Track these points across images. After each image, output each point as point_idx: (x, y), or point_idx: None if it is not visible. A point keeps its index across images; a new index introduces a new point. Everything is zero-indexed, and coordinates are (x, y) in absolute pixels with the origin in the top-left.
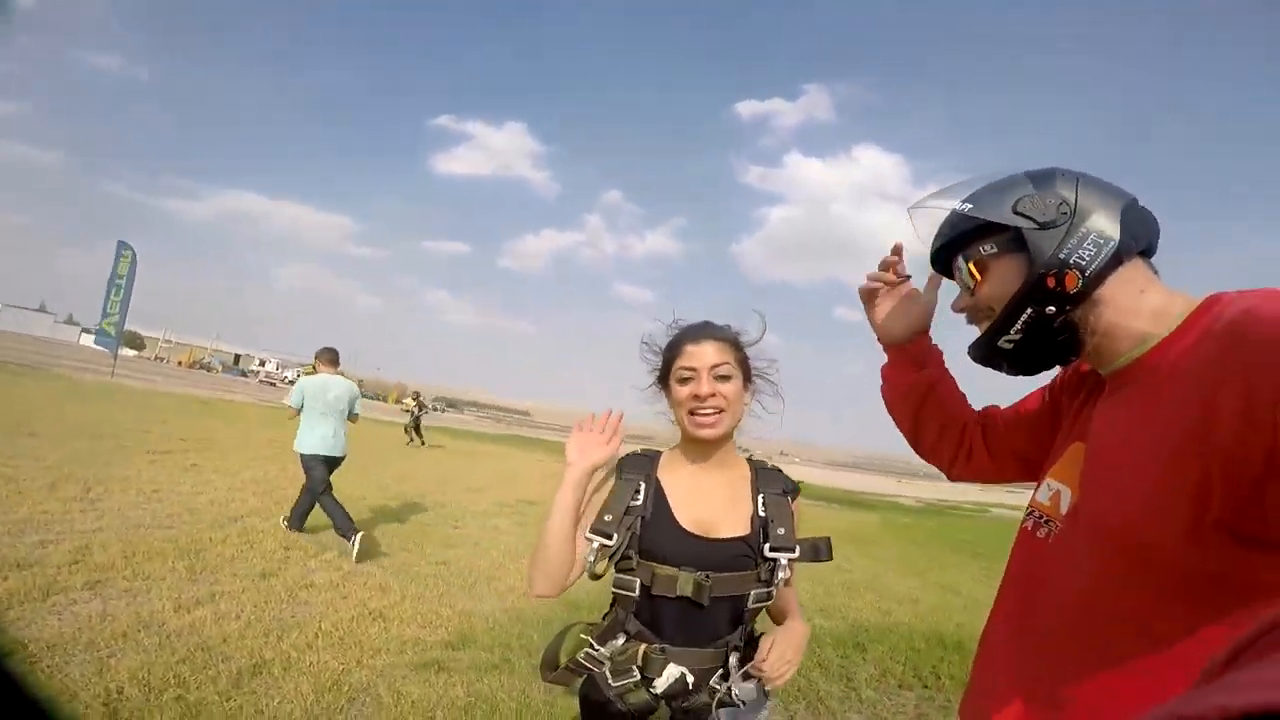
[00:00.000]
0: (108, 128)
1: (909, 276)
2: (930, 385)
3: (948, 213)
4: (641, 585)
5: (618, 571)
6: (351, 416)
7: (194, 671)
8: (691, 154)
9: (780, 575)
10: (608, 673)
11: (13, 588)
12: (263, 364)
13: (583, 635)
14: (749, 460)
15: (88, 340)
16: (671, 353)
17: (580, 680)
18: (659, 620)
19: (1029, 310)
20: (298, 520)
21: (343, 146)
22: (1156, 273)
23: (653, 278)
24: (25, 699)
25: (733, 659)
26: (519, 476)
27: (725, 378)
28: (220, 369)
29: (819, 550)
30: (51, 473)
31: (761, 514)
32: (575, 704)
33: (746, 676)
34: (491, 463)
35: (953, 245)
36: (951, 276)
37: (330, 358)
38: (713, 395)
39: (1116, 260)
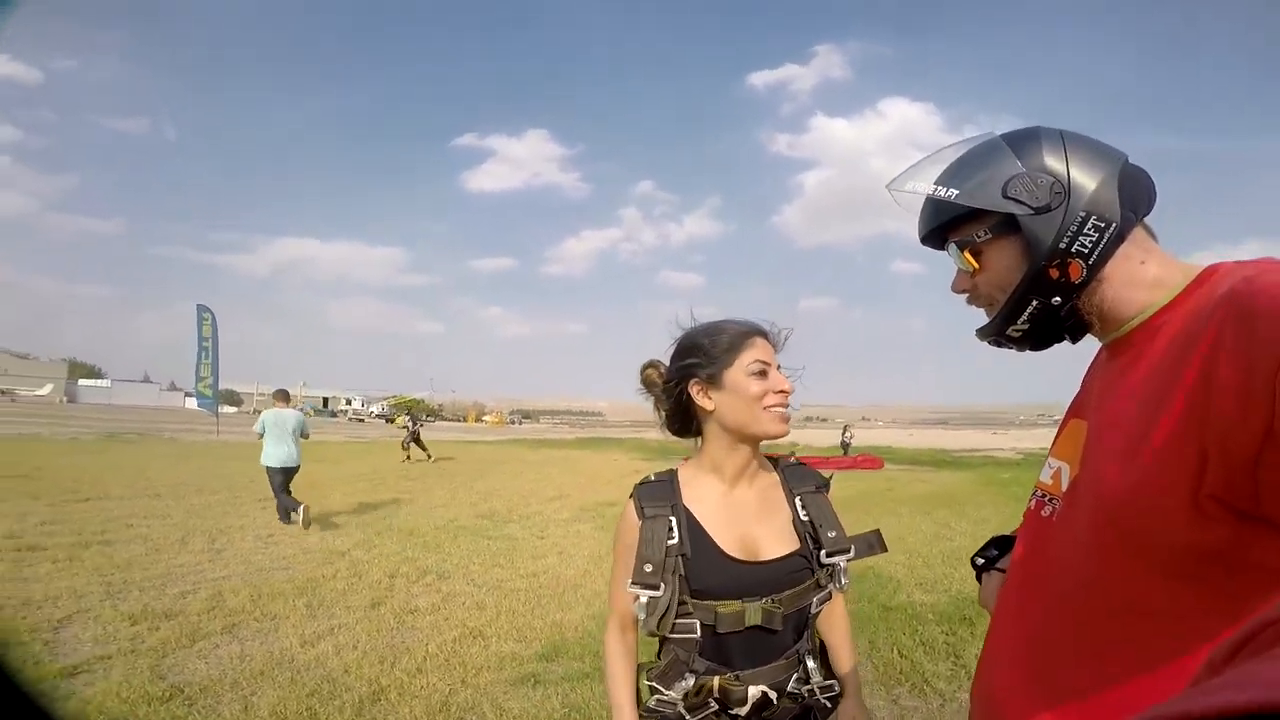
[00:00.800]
0: (151, 190)
1: None
2: None
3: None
4: (703, 625)
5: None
6: (304, 435)
7: (322, 703)
8: (714, 132)
9: (843, 580)
10: (683, 711)
11: (165, 637)
12: (349, 403)
13: (647, 682)
14: (770, 459)
15: (191, 404)
16: (739, 342)
17: None
18: (726, 652)
19: (1034, 303)
20: (283, 516)
21: (379, 181)
22: (1154, 234)
23: (697, 261)
24: (25, 699)
25: (809, 661)
26: (597, 479)
27: (786, 376)
28: (312, 413)
29: (873, 545)
30: (179, 529)
31: (804, 518)
32: None
33: None
34: (570, 468)
35: (941, 228)
36: (940, 247)
37: (283, 396)
38: (792, 390)
39: (1119, 239)
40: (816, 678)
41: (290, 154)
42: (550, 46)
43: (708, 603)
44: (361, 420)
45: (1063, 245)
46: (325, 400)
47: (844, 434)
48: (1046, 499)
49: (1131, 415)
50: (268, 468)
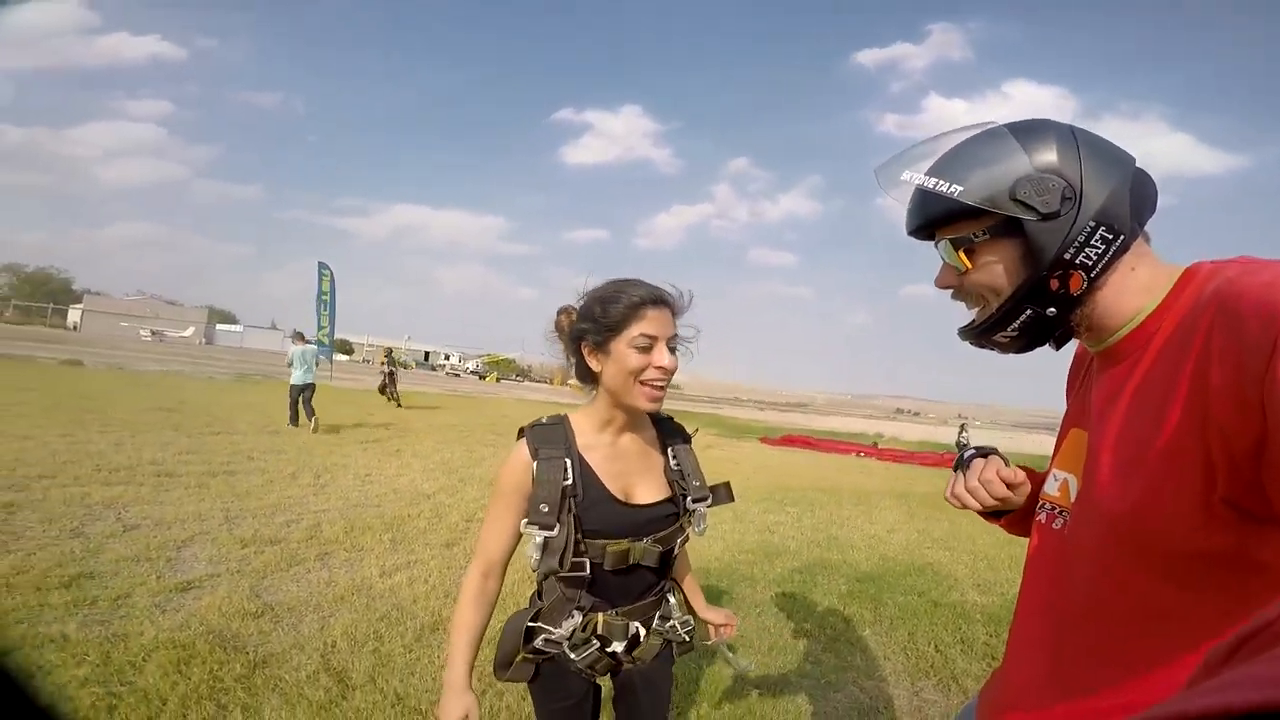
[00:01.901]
0: (284, 159)
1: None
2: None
3: (922, 180)
4: (592, 564)
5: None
6: (317, 363)
7: (389, 627)
8: (817, 110)
9: (701, 525)
10: (567, 650)
11: (267, 560)
12: (447, 358)
13: (531, 624)
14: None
15: None
16: (629, 313)
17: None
18: (608, 590)
19: (1028, 312)
20: (293, 420)
21: (483, 153)
22: (1147, 236)
23: (791, 240)
24: (26, 699)
25: (671, 599)
26: None
27: (674, 349)
28: (414, 365)
29: (724, 496)
30: (292, 464)
31: (675, 467)
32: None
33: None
34: None
35: (934, 222)
36: (929, 239)
37: (300, 336)
38: (673, 368)
39: (1123, 250)
40: (676, 614)
41: (404, 127)
42: (648, 20)
43: (599, 542)
44: (457, 375)
45: (1067, 256)
46: (426, 354)
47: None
48: (1056, 511)
49: (1134, 425)
50: (293, 385)
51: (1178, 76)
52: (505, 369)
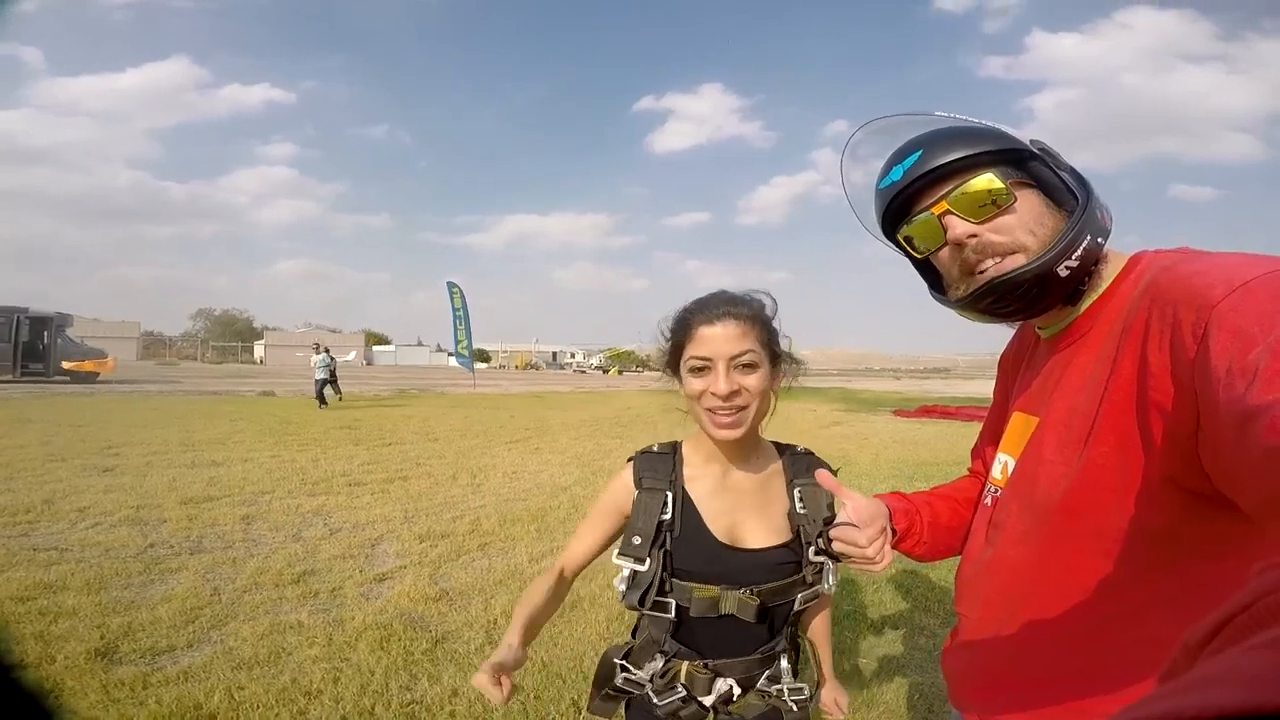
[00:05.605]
0: (402, 186)
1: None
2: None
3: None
4: (678, 607)
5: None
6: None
7: None
8: (908, 62)
9: (830, 581)
10: (650, 693)
11: (440, 552)
12: (573, 356)
13: (616, 660)
14: (774, 444)
15: (453, 362)
16: (681, 335)
17: (622, 705)
18: (698, 638)
19: (1088, 238)
20: (322, 403)
21: (578, 154)
22: None
23: None
24: (23, 696)
25: (783, 662)
26: (789, 428)
27: (749, 366)
28: (544, 366)
29: None
30: (451, 467)
31: (800, 510)
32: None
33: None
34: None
35: (973, 161)
36: (905, 214)
37: (317, 346)
38: (735, 393)
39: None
40: (787, 679)
41: (500, 141)
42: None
43: (686, 584)
44: (583, 371)
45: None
46: (554, 355)
47: None
48: (999, 494)
49: (1076, 406)
50: (316, 379)
51: None
52: (626, 361)
